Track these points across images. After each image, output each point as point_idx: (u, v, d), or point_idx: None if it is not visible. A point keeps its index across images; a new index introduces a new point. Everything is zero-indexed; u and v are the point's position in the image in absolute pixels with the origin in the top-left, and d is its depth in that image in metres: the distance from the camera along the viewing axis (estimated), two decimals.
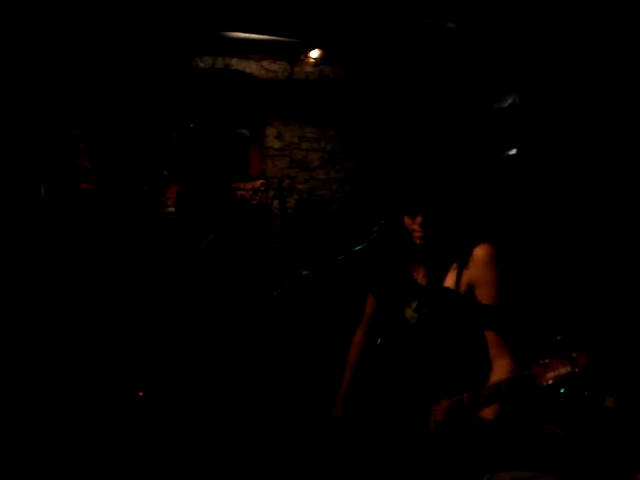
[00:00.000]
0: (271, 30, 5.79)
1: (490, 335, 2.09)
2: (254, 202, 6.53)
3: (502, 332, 2.07)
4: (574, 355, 1.58)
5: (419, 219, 2.08)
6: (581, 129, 4.91)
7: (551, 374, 1.60)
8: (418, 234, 2.11)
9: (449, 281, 2.14)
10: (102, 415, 3.58)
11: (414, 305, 2.19)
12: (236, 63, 6.36)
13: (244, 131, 6.73)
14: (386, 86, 6.67)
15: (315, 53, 6.43)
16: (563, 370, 1.57)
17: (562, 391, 1.59)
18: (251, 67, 6.41)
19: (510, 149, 6.00)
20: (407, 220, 2.13)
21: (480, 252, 2.08)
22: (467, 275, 2.09)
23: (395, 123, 6.70)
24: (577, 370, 1.55)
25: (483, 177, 5.91)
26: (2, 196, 4.71)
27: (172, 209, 5.68)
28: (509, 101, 6.04)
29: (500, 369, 2.03)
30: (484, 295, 2.07)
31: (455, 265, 2.13)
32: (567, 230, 4.69)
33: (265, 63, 6.44)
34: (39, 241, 4.83)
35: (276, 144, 6.68)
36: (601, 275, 4.13)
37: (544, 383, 1.61)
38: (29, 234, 4.77)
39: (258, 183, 6.58)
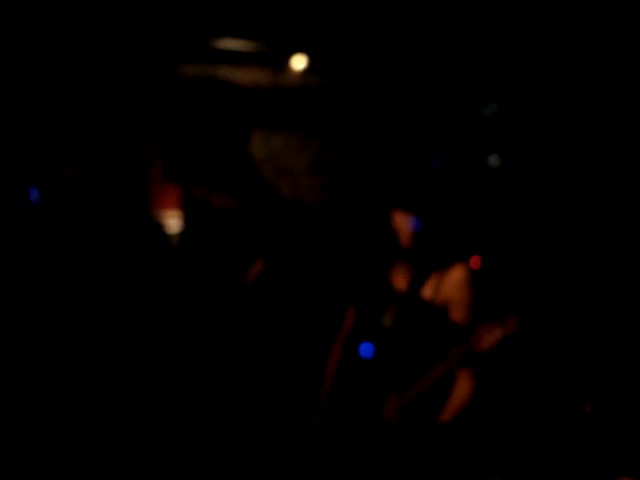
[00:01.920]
0: (256, 39, 5.82)
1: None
2: None
3: None
4: (505, 319, 1.71)
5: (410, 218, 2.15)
6: (564, 136, 4.97)
7: (487, 340, 1.72)
8: (406, 235, 2.16)
9: (427, 292, 2.17)
10: (107, 415, 3.57)
11: (390, 312, 2.22)
12: (221, 71, 6.38)
13: (229, 140, 6.73)
14: (370, 94, 6.72)
15: (300, 62, 6.47)
16: (497, 334, 1.69)
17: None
18: (235, 75, 6.44)
19: (492, 156, 6.05)
20: (398, 217, 2.16)
21: (456, 273, 2.14)
22: (443, 292, 2.13)
23: (379, 130, 6.74)
24: (509, 332, 1.68)
25: (467, 184, 5.96)
26: None
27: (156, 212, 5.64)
28: (491, 108, 6.11)
29: (462, 386, 2.03)
30: (456, 315, 2.10)
31: (435, 277, 2.16)
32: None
33: (250, 71, 6.47)
34: (32, 246, 4.80)
35: (261, 152, 6.69)
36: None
37: (482, 349, 1.73)
38: (21, 239, 4.74)
39: None
